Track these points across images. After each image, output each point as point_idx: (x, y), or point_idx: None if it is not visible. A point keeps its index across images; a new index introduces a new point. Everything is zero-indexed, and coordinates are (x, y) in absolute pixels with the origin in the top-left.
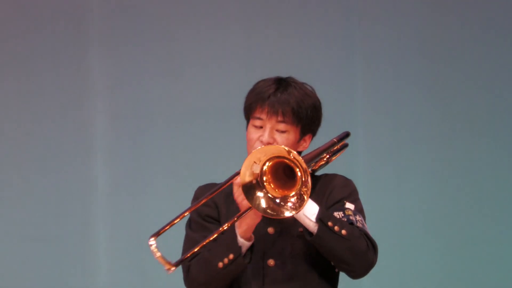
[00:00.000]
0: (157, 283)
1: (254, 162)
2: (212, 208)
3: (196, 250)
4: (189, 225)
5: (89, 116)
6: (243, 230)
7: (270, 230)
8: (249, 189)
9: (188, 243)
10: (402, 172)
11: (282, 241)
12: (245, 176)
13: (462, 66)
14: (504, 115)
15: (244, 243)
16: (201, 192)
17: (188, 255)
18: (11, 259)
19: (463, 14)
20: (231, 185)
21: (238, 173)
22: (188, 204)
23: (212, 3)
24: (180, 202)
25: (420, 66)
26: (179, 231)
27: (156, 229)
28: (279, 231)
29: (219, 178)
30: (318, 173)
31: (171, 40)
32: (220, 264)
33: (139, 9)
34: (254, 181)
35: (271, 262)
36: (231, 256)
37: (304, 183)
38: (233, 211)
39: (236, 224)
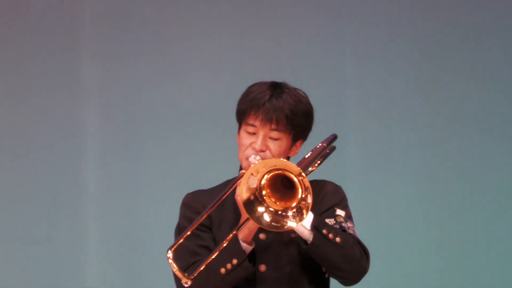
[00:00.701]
0: (148, 286)
1: (252, 174)
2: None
3: (195, 259)
4: (179, 232)
5: (81, 118)
6: (245, 234)
7: (262, 236)
8: (249, 205)
9: (182, 252)
10: (394, 175)
11: (274, 247)
12: (243, 192)
13: (454, 68)
14: (496, 117)
15: (247, 247)
16: (190, 199)
17: (202, 267)
18: (1, 261)
19: (455, 15)
20: (222, 191)
21: (240, 177)
22: (178, 207)
23: (204, 6)
24: (171, 205)
25: (411, 68)
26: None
27: (148, 232)
28: (271, 237)
29: (212, 182)
30: (307, 178)
31: (164, 43)
32: (223, 270)
33: (132, 11)
34: (252, 197)
35: (262, 267)
36: (234, 261)
37: (304, 191)
38: (226, 217)
39: (236, 227)
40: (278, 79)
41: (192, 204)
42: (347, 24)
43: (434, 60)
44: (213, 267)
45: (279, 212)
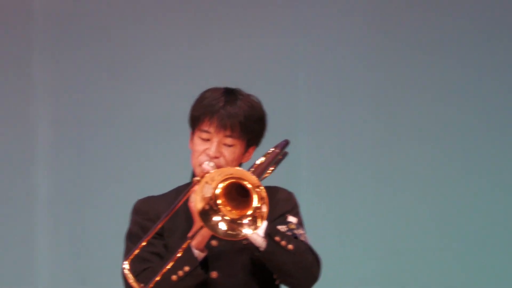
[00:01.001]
0: None
1: (206, 182)
2: (154, 222)
3: (145, 266)
4: (130, 239)
5: (31, 123)
6: (198, 241)
7: (214, 242)
8: (205, 214)
9: (133, 258)
10: (345, 180)
11: (226, 254)
12: (198, 202)
13: (405, 74)
14: (447, 122)
15: (199, 254)
16: (141, 205)
17: (159, 277)
18: None
19: (406, 22)
20: (175, 197)
21: (194, 184)
22: (128, 212)
23: (157, 10)
24: (123, 210)
25: (362, 74)
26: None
27: (98, 237)
28: (223, 244)
29: (163, 187)
30: None
31: (115, 46)
32: (174, 277)
33: (83, 14)
34: (207, 206)
35: (214, 274)
36: (186, 268)
37: (259, 200)
38: (179, 224)
39: (189, 235)
40: (232, 85)
41: (144, 210)
42: (299, 30)
43: (385, 65)
44: (164, 275)
45: (235, 220)
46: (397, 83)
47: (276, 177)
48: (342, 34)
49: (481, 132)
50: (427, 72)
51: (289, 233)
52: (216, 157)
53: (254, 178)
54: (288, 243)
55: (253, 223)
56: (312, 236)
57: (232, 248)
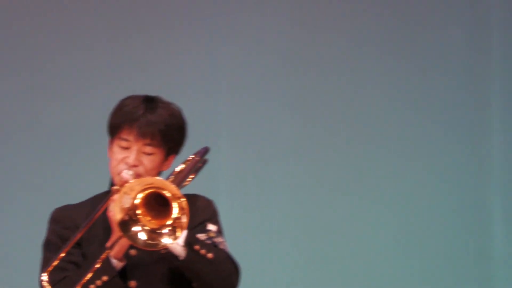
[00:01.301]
0: None
1: (125, 193)
2: (72, 231)
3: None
4: (48, 247)
5: None
6: (116, 251)
7: (133, 251)
8: (124, 225)
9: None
10: (266, 188)
11: (145, 263)
12: (117, 212)
13: (323, 81)
14: (367, 127)
15: (118, 264)
16: (59, 214)
17: (78, 287)
18: None
19: (323, 29)
20: (93, 206)
21: (113, 193)
22: (45, 221)
23: (76, 13)
24: (40, 219)
25: (282, 81)
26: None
27: (13, 245)
28: (141, 253)
29: (81, 196)
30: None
31: (33, 51)
32: (92, 287)
33: None
34: (126, 217)
35: (132, 283)
36: (104, 278)
37: (180, 210)
38: (97, 233)
39: (108, 244)
40: (151, 92)
41: (61, 219)
42: (219, 37)
43: (305, 73)
44: (83, 284)
45: (154, 230)
46: (318, 90)
47: (196, 185)
48: (261, 41)
49: (399, 132)
50: (345, 76)
51: (208, 241)
52: (135, 166)
53: (174, 188)
54: (208, 251)
55: (173, 233)
56: (232, 244)
57: (151, 257)
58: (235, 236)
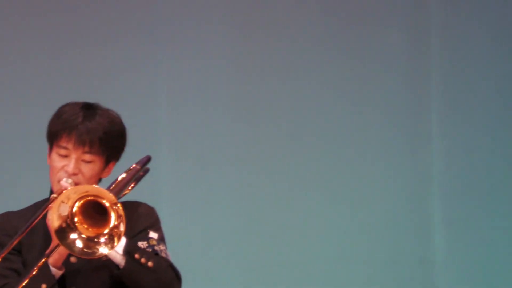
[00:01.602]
0: None
1: (62, 201)
2: (12, 237)
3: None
4: None
5: None
6: (55, 259)
7: (73, 259)
8: (61, 232)
9: None
10: (208, 195)
11: (85, 271)
12: (54, 220)
13: (265, 85)
14: (308, 133)
15: (57, 272)
16: (0, 221)
17: None
18: None
19: (265, 33)
20: (34, 213)
21: (52, 201)
22: None
23: (11, 18)
24: None
25: (223, 87)
26: None
27: None
28: (81, 261)
29: (21, 203)
30: (120, 200)
31: None
32: None
33: None
34: (64, 224)
35: None
36: (43, 286)
37: (117, 218)
38: (36, 241)
39: (46, 252)
40: (90, 99)
41: (1, 226)
42: (160, 43)
43: (246, 77)
44: None
45: (91, 239)
46: (259, 96)
47: (137, 193)
48: (201, 46)
49: (339, 138)
50: (286, 81)
51: (149, 249)
52: (74, 174)
53: (111, 196)
54: (148, 260)
55: (110, 241)
56: (173, 252)
57: (91, 265)
58: (176, 243)
